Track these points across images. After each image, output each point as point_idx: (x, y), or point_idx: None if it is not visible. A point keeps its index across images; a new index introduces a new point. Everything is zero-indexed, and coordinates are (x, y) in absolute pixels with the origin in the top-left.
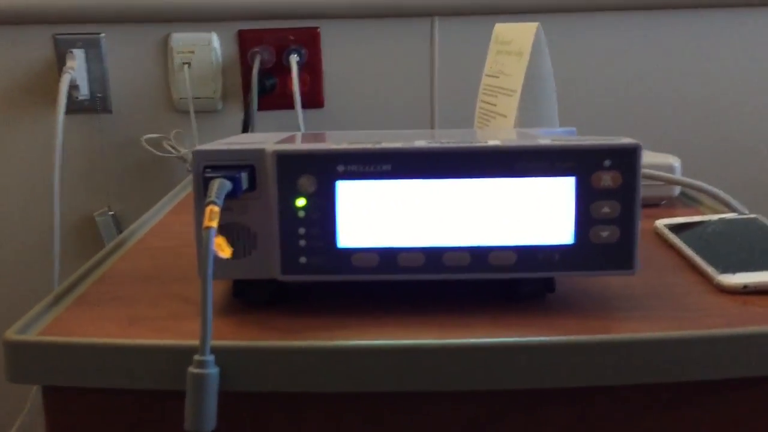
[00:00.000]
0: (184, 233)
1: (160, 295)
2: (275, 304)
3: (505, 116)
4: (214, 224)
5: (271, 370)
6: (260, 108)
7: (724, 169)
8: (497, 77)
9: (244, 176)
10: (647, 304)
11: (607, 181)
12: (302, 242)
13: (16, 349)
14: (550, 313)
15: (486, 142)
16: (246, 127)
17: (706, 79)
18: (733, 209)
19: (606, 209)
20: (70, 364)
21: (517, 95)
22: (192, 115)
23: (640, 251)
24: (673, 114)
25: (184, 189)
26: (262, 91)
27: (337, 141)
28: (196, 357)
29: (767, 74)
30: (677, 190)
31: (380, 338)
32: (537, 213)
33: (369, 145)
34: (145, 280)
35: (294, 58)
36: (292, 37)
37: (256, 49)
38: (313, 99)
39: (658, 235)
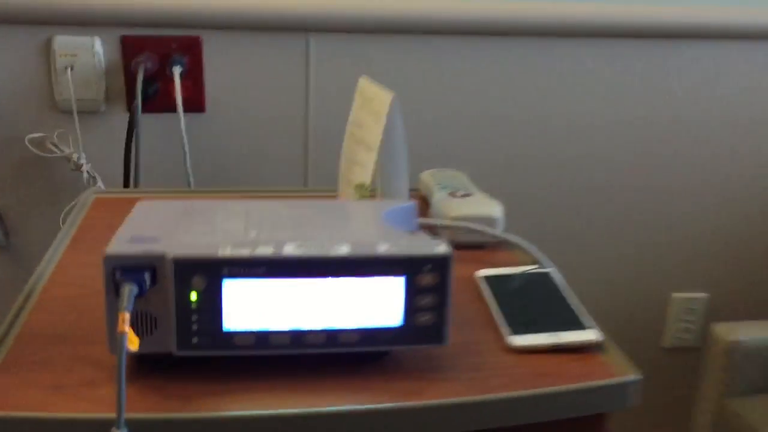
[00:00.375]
0: (84, 278)
1: (73, 358)
2: (170, 371)
3: (365, 166)
4: (126, 329)
5: None
6: (144, 110)
7: (543, 211)
8: (361, 127)
9: (147, 277)
10: (452, 365)
11: (428, 280)
12: (194, 326)
13: None
14: (383, 375)
15: (339, 249)
16: (131, 130)
17: (540, 114)
18: (537, 261)
19: (426, 300)
20: None
21: (375, 154)
22: (75, 116)
23: (459, 304)
24: (503, 151)
25: (81, 211)
26: (146, 96)
27: (224, 234)
28: (113, 430)
29: (606, 117)
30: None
31: (256, 404)
32: (376, 303)
33: (247, 253)
34: (57, 341)
35: (177, 68)
36: (174, 45)
37: (140, 57)
38: (195, 104)
39: (476, 284)
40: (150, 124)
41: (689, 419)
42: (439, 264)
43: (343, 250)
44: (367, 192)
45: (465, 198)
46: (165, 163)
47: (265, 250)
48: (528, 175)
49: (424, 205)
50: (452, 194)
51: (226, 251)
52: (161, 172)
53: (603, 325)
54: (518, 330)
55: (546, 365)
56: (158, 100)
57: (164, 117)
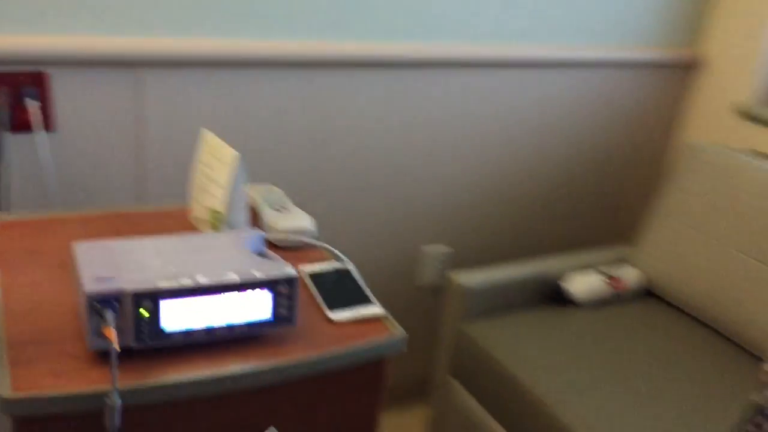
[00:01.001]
0: (33, 294)
1: (60, 353)
2: (131, 359)
3: (216, 197)
4: (114, 337)
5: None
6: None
7: (342, 216)
8: (211, 168)
9: (116, 303)
10: (299, 335)
11: (284, 290)
12: (144, 330)
13: None
14: (264, 346)
15: (231, 276)
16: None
17: (346, 136)
18: (339, 260)
19: (283, 301)
20: None
21: (226, 191)
22: None
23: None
24: (318, 165)
25: None
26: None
27: (155, 271)
28: (109, 397)
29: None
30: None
31: (188, 373)
32: (255, 306)
33: (176, 284)
34: (42, 343)
35: (29, 101)
36: (23, 80)
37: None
38: (46, 129)
39: (302, 276)
40: (11, 143)
41: (437, 341)
42: (290, 281)
43: (233, 276)
44: (220, 216)
45: (285, 212)
46: (24, 184)
47: (186, 281)
48: (320, 180)
49: (254, 214)
50: (275, 209)
51: (162, 284)
52: (20, 192)
53: (378, 274)
54: (333, 308)
55: (352, 330)
56: (14, 126)
57: (19, 141)
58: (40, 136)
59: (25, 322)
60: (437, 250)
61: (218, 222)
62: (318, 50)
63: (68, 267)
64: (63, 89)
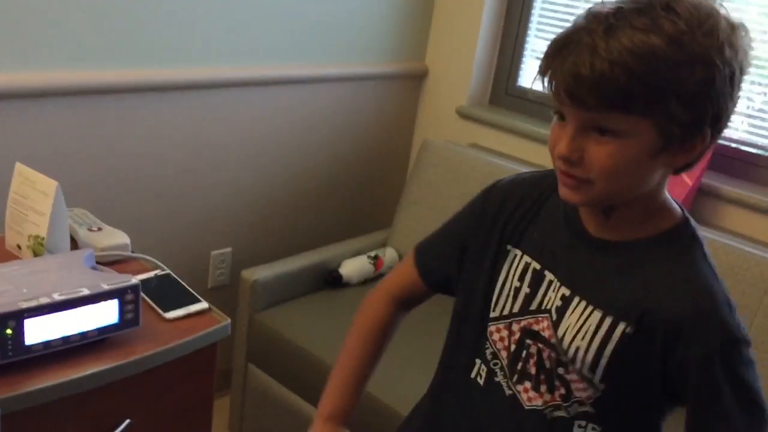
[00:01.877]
0: None
1: None
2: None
3: (38, 224)
4: None
5: None
6: None
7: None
8: (26, 198)
9: None
10: (142, 334)
11: (129, 297)
12: (9, 345)
13: None
14: (112, 347)
15: (83, 291)
16: None
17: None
18: (159, 266)
19: (129, 306)
20: None
21: (47, 218)
22: None
23: None
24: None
25: None
26: None
27: (14, 294)
28: None
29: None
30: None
31: (51, 378)
32: (105, 313)
33: (36, 303)
34: None
35: None
36: None
37: None
38: None
39: None
40: None
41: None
42: (134, 288)
43: (85, 291)
44: (42, 240)
45: (100, 232)
46: None
47: (45, 300)
48: (120, 199)
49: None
50: (90, 230)
51: (24, 305)
52: None
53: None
54: (166, 309)
55: (185, 324)
56: None
57: None
58: None
59: None
60: (224, 252)
61: (40, 247)
62: (106, 78)
63: None
64: None
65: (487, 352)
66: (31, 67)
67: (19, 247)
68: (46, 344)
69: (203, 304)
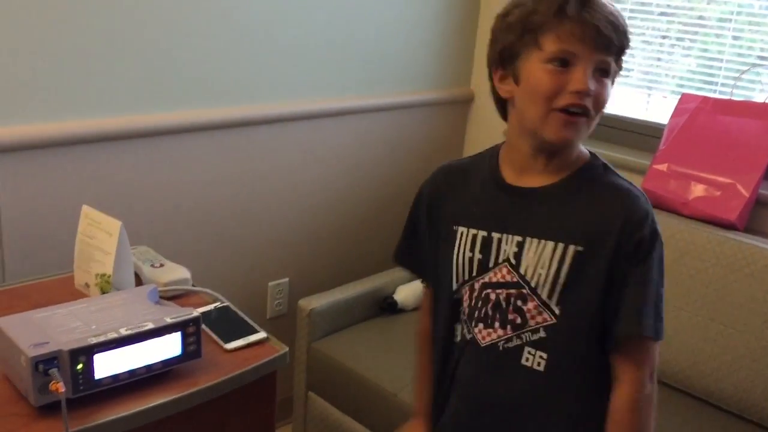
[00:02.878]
0: None
1: (6, 414)
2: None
3: (104, 263)
4: (62, 389)
5: None
6: None
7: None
8: (94, 238)
9: (56, 362)
10: (205, 365)
11: (191, 330)
12: (80, 379)
13: None
14: (178, 378)
15: (148, 325)
16: None
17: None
18: (218, 299)
19: (191, 339)
20: None
21: (112, 256)
22: None
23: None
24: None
25: None
26: None
27: (82, 331)
28: None
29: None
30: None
31: (123, 410)
32: (168, 345)
33: (104, 339)
34: None
35: None
36: None
37: None
38: None
39: None
40: None
41: (294, 361)
42: (195, 321)
43: (150, 325)
44: (108, 278)
45: (162, 268)
46: None
47: (113, 335)
48: (181, 236)
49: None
50: (153, 266)
51: (94, 340)
52: None
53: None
54: (226, 340)
55: (245, 354)
56: None
57: None
58: None
59: None
60: (282, 282)
61: (107, 285)
62: (161, 121)
63: None
64: None
65: (461, 315)
66: (91, 114)
67: (87, 285)
68: (115, 378)
69: (261, 334)
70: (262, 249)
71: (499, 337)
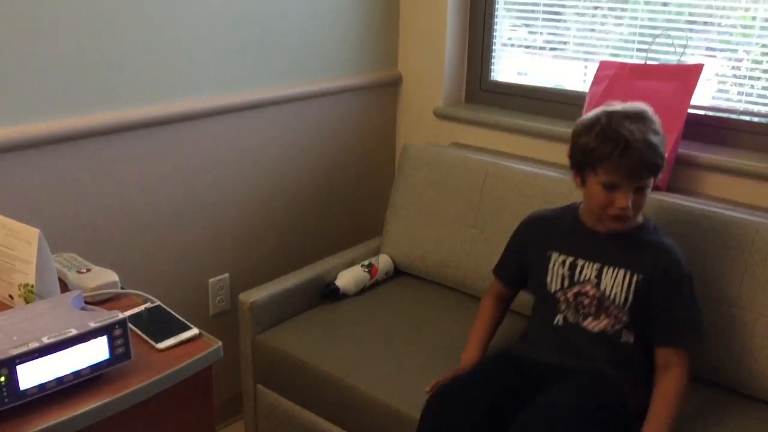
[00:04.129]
0: None
1: None
2: None
3: (26, 273)
4: None
5: None
6: None
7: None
8: (12, 249)
9: None
10: (135, 367)
11: (118, 332)
12: (4, 391)
13: None
14: (107, 383)
15: (71, 332)
16: None
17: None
18: (148, 299)
19: (118, 342)
20: None
21: (33, 265)
22: None
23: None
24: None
25: None
26: None
27: (3, 342)
28: None
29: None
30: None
31: (49, 419)
32: (95, 350)
33: (26, 348)
34: None
35: None
36: None
37: None
38: None
39: None
40: None
41: (240, 355)
42: (121, 323)
43: (73, 331)
44: (32, 288)
45: (89, 273)
46: None
47: (34, 344)
48: (110, 238)
49: (60, 281)
50: (79, 272)
51: (14, 351)
52: None
53: (175, 310)
54: (158, 340)
55: (178, 352)
56: None
57: None
58: None
59: None
60: (222, 278)
61: (31, 294)
62: (73, 124)
63: None
64: None
65: (561, 308)
66: (4, 122)
67: (11, 297)
68: (42, 387)
69: (194, 331)
70: (199, 246)
71: (605, 326)
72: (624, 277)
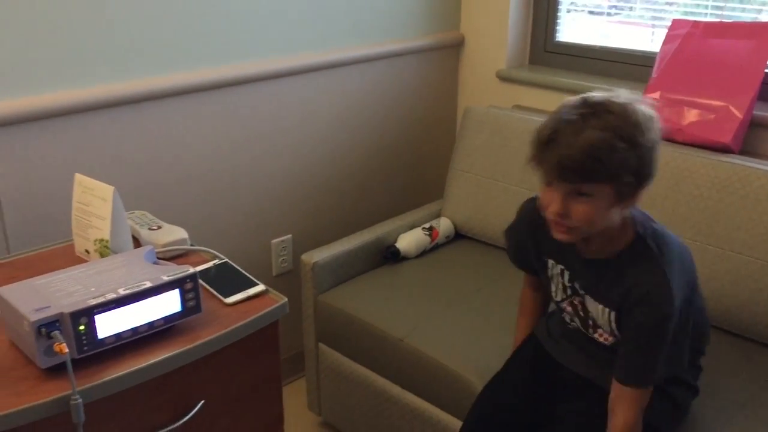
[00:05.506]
0: None
1: (15, 378)
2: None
3: (101, 228)
4: (66, 350)
5: None
6: None
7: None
8: (88, 206)
9: (58, 325)
10: (205, 320)
11: (189, 286)
12: (84, 340)
13: None
14: (180, 334)
15: (146, 284)
16: None
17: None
18: (217, 256)
19: (190, 295)
20: None
21: (108, 221)
22: None
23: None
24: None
25: None
26: None
27: (82, 294)
28: (72, 397)
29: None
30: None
31: (125, 367)
32: (169, 302)
33: (103, 299)
34: None
35: None
36: None
37: None
38: None
39: None
40: None
41: (302, 315)
42: (192, 277)
43: (147, 284)
44: (107, 243)
45: (160, 230)
46: None
47: (111, 296)
48: (179, 197)
49: (133, 238)
50: (151, 229)
51: (93, 302)
52: None
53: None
54: (226, 295)
55: (245, 307)
56: None
57: None
58: None
59: None
60: (285, 239)
61: (106, 249)
62: (146, 85)
63: None
64: None
65: (568, 318)
66: (80, 84)
67: (87, 251)
68: (118, 336)
69: (260, 287)
70: (263, 208)
71: (609, 339)
72: (603, 310)
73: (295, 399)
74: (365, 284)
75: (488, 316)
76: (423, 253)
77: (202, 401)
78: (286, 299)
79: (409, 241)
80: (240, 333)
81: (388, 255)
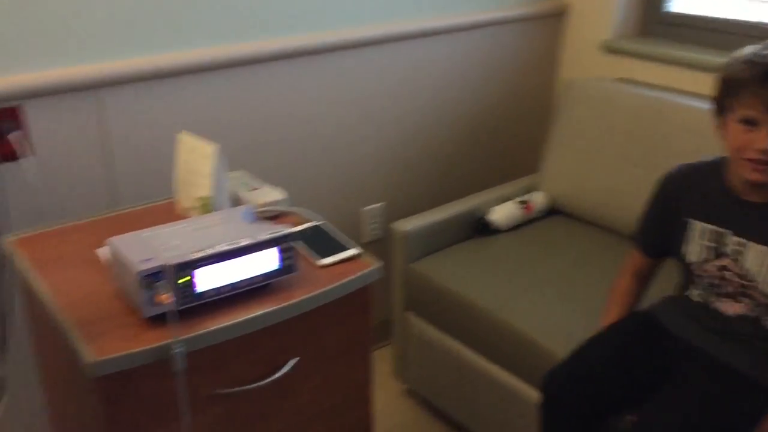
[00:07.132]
0: (83, 286)
1: (123, 324)
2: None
3: (203, 186)
4: (171, 299)
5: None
6: None
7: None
8: (191, 163)
9: (161, 276)
10: (301, 279)
11: (286, 245)
12: (184, 292)
13: None
14: (277, 291)
15: (244, 241)
16: None
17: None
18: (313, 218)
19: (288, 254)
20: None
21: (209, 179)
22: None
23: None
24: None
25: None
26: None
27: (184, 247)
28: (173, 345)
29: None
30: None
31: (222, 321)
32: (267, 260)
33: (204, 254)
34: (107, 318)
35: (12, 133)
36: (2, 115)
37: None
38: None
39: None
40: None
41: (391, 283)
42: (290, 237)
43: (247, 241)
44: (208, 200)
45: (258, 190)
46: (17, 206)
47: (211, 251)
48: (275, 161)
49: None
50: (249, 189)
51: (194, 256)
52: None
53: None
54: (320, 256)
55: (339, 269)
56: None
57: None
58: (26, 162)
59: (80, 309)
60: (377, 207)
61: (208, 206)
62: (253, 49)
63: (93, 264)
64: (35, 118)
65: (698, 283)
66: (190, 45)
67: (189, 208)
68: (217, 290)
69: (355, 250)
70: (357, 174)
71: (740, 309)
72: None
73: (380, 366)
74: (456, 255)
75: (583, 293)
76: (516, 227)
77: (296, 359)
78: (380, 263)
79: (501, 213)
80: (333, 294)
81: (479, 227)
